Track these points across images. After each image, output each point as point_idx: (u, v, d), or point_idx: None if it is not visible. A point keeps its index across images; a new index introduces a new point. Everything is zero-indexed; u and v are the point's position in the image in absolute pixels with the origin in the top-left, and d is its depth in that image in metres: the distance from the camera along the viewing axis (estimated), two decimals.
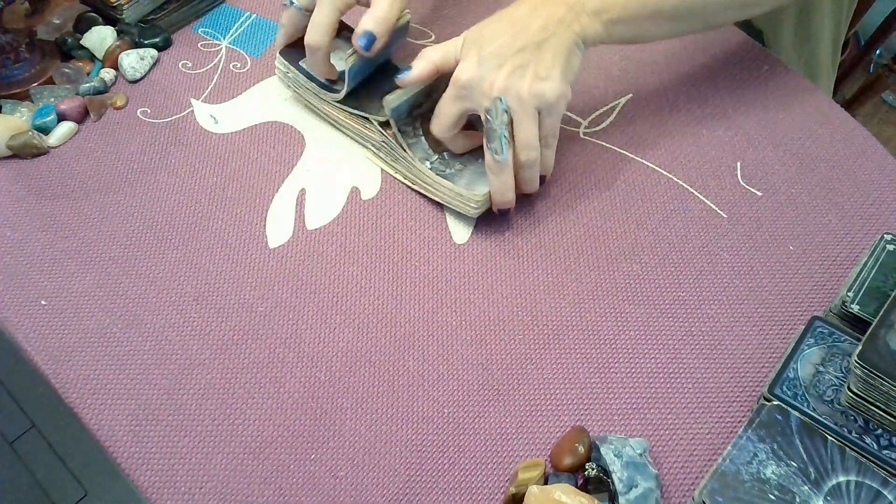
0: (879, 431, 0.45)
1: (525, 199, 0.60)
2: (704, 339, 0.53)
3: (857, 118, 0.66)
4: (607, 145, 0.65)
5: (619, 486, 0.44)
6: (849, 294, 0.51)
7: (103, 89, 0.69)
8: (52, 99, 0.67)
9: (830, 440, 0.44)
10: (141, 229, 0.60)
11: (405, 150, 0.59)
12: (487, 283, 0.56)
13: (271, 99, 0.69)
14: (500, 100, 0.53)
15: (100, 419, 0.50)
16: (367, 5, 0.61)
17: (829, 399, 0.47)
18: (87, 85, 0.68)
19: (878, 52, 1.09)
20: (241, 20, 0.76)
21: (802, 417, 0.45)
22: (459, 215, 0.60)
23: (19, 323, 0.55)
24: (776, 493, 0.42)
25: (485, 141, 0.54)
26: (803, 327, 0.50)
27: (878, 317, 0.47)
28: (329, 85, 0.63)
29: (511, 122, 0.53)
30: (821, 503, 0.42)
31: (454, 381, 0.52)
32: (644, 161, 0.63)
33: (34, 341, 0.54)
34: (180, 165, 0.64)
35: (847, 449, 0.44)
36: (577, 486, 0.45)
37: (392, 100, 0.57)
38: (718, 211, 0.60)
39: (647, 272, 0.57)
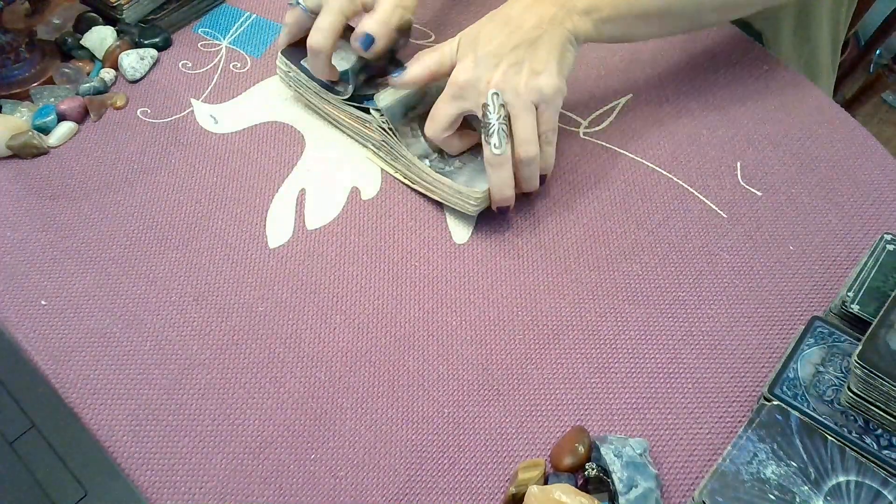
0: (879, 431, 0.45)
1: (525, 199, 0.60)
2: (704, 339, 0.53)
3: (857, 118, 0.66)
4: (607, 145, 0.65)
5: (619, 486, 0.44)
6: (849, 294, 0.51)
7: (103, 89, 0.69)
8: (52, 99, 0.67)
9: (830, 440, 0.44)
10: (141, 229, 0.60)
11: (402, 147, 0.59)
12: (487, 283, 0.56)
13: (271, 99, 0.69)
14: (497, 95, 0.53)
15: (100, 419, 0.50)
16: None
17: (829, 399, 0.47)
18: (87, 85, 0.68)
19: (878, 52, 1.09)
20: (241, 20, 0.76)
21: (802, 417, 0.45)
22: (459, 215, 0.60)
23: (19, 323, 0.55)
24: (776, 493, 0.42)
25: (483, 137, 0.54)
26: (803, 327, 0.50)
27: (878, 317, 0.47)
28: (331, 85, 0.63)
29: (509, 119, 0.54)
30: (821, 503, 0.42)
31: (454, 381, 0.52)
32: (644, 161, 0.63)
33: (34, 341, 0.54)
34: (180, 165, 0.64)
35: (847, 449, 0.44)
36: (577, 486, 0.45)
37: (383, 98, 0.58)
38: (718, 211, 0.60)
39: (647, 272, 0.57)
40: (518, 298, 0.55)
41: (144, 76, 0.70)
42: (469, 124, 0.60)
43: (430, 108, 0.59)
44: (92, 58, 0.71)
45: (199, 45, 0.73)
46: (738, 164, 0.63)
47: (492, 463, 0.48)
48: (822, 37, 0.84)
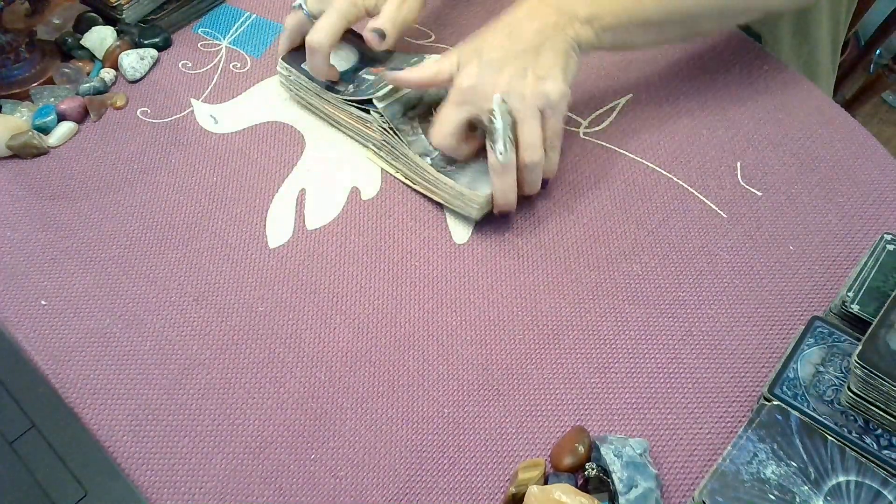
0: (879, 431, 0.45)
1: (525, 199, 0.60)
2: (704, 339, 0.53)
3: (857, 118, 0.66)
4: (607, 145, 0.65)
5: (619, 486, 0.44)
6: (849, 294, 0.51)
7: (103, 89, 0.69)
8: (52, 99, 0.67)
9: (830, 440, 0.44)
10: (141, 229, 0.60)
11: (404, 145, 0.59)
12: (487, 283, 0.56)
13: (271, 99, 0.69)
14: (504, 101, 0.53)
15: (100, 419, 0.50)
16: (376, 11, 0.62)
17: (829, 399, 0.47)
18: (87, 85, 0.68)
19: (878, 52, 1.09)
20: (241, 20, 0.76)
21: (802, 417, 0.45)
22: (460, 215, 0.60)
23: (19, 323, 0.55)
24: (776, 493, 0.42)
25: (488, 143, 0.54)
26: (803, 327, 0.50)
27: (878, 317, 0.47)
28: (331, 85, 0.63)
29: (514, 124, 0.54)
30: (821, 503, 0.42)
31: (454, 382, 0.52)
32: (644, 161, 0.63)
33: (34, 341, 0.54)
34: (180, 165, 0.64)
35: (847, 449, 0.44)
36: (577, 486, 0.45)
37: (382, 97, 0.59)
38: (718, 211, 0.60)
39: (647, 272, 0.57)
40: (518, 298, 0.55)
41: (144, 76, 0.70)
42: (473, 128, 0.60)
43: (430, 106, 0.60)
44: (92, 58, 0.71)
45: (199, 45, 0.73)
46: (738, 164, 0.63)
47: (492, 463, 0.48)
48: (821, 38, 0.84)
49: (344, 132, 0.65)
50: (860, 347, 0.45)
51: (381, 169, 0.63)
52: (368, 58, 0.65)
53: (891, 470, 0.44)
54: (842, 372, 0.48)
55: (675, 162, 0.63)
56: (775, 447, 0.44)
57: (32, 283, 0.57)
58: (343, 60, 0.64)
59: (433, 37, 0.73)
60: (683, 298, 0.55)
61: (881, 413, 0.45)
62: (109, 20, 0.73)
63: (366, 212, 0.61)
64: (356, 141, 0.65)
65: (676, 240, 0.58)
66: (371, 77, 0.62)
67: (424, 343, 0.53)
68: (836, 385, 0.47)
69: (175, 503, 0.47)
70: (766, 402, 0.46)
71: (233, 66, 0.71)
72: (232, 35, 0.74)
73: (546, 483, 0.46)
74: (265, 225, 0.60)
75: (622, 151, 0.64)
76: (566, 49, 0.55)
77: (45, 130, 0.65)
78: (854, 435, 0.45)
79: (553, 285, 0.56)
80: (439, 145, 0.57)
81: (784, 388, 0.47)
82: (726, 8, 0.61)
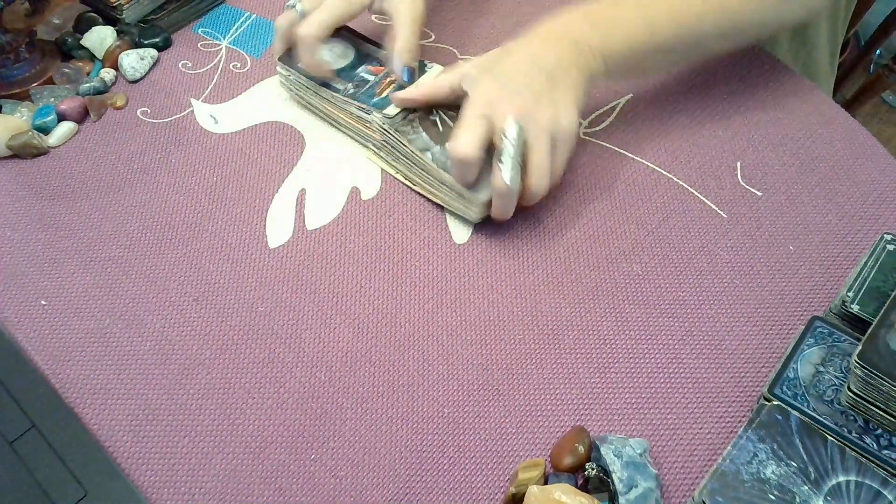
0: (879, 431, 0.45)
1: None
2: (704, 339, 0.53)
3: (857, 118, 0.66)
4: (607, 145, 0.65)
5: (619, 486, 0.44)
6: (849, 294, 0.51)
7: (103, 89, 0.69)
8: (52, 99, 0.67)
9: (830, 440, 0.44)
10: (141, 229, 0.60)
11: (403, 144, 0.59)
12: (487, 283, 0.56)
13: (271, 99, 0.69)
14: (520, 127, 0.53)
15: (100, 419, 0.50)
16: (380, 12, 0.63)
17: (829, 399, 0.47)
18: (87, 85, 0.68)
19: (878, 52, 1.09)
20: (241, 20, 0.76)
21: (802, 417, 0.45)
22: (460, 215, 0.60)
23: (19, 323, 0.55)
24: (776, 493, 0.42)
25: (496, 163, 0.54)
26: (803, 327, 0.50)
27: (878, 317, 0.47)
28: (331, 83, 0.63)
29: (524, 146, 0.54)
30: (821, 503, 0.42)
31: (454, 382, 0.52)
32: (644, 161, 0.63)
33: (34, 341, 0.54)
34: (180, 165, 0.64)
35: (847, 449, 0.44)
36: (577, 486, 0.45)
37: (383, 105, 0.60)
38: (718, 211, 0.60)
39: (647, 272, 0.57)
40: (518, 298, 0.55)
41: (144, 76, 0.70)
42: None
43: (430, 106, 0.60)
44: (92, 58, 0.71)
45: (199, 45, 0.73)
46: (738, 164, 0.63)
47: (492, 463, 0.48)
48: (819, 40, 0.84)
49: (344, 132, 0.65)
50: (860, 347, 0.45)
51: (381, 169, 0.63)
52: (365, 55, 0.65)
53: (891, 470, 0.44)
54: (842, 372, 0.48)
55: (675, 162, 0.63)
56: (775, 447, 0.44)
57: (32, 283, 0.57)
58: (340, 58, 0.64)
59: (433, 37, 0.73)
60: (683, 298, 0.55)
61: (881, 413, 0.45)
62: (109, 20, 0.73)
63: (366, 212, 0.61)
64: (356, 141, 0.65)
65: (676, 240, 0.58)
66: (371, 77, 0.63)
67: (424, 343, 0.53)
68: (836, 385, 0.47)
69: (175, 503, 0.47)
70: (766, 402, 0.46)
71: (233, 66, 0.71)
72: (232, 35, 0.74)
73: (546, 483, 0.46)
74: (265, 225, 0.60)
75: (622, 151, 0.64)
76: (582, 83, 0.56)
77: (45, 130, 0.65)
78: (854, 435, 0.45)
79: (553, 285, 0.56)
80: (466, 156, 0.53)
81: (784, 388, 0.47)
82: (738, 27, 0.61)
